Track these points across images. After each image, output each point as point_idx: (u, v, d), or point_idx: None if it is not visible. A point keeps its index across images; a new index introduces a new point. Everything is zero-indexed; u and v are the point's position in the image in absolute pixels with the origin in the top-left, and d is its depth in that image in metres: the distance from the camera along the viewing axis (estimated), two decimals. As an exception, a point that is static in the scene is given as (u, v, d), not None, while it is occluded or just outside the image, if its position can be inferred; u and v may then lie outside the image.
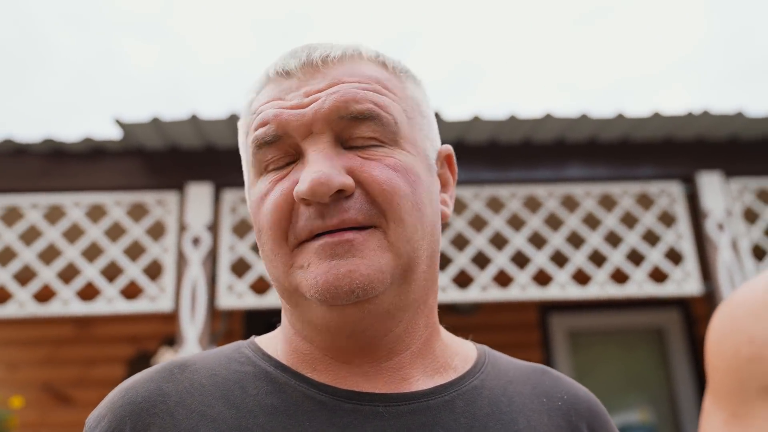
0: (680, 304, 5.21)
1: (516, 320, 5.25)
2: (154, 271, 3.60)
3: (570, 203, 3.60)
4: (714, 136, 3.43)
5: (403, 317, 0.64)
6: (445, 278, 3.28)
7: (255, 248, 3.34)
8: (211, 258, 3.11)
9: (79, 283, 3.10)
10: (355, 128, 0.62)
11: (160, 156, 3.24)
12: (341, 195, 0.59)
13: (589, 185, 3.40)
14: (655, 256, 3.36)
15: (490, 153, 3.41)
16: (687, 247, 3.36)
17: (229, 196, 3.23)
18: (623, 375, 5.45)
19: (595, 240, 3.34)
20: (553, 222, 3.55)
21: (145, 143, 3.17)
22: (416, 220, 0.62)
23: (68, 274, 3.53)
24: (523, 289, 3.29)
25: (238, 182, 3.11)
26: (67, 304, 3.06)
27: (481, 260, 3.43)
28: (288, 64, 0.64)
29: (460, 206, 3.46)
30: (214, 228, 3.15)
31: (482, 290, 3.29)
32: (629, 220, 3.70)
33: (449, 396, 0.64)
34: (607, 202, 3.61)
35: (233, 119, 2.98)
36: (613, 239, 3.59)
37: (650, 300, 4.96)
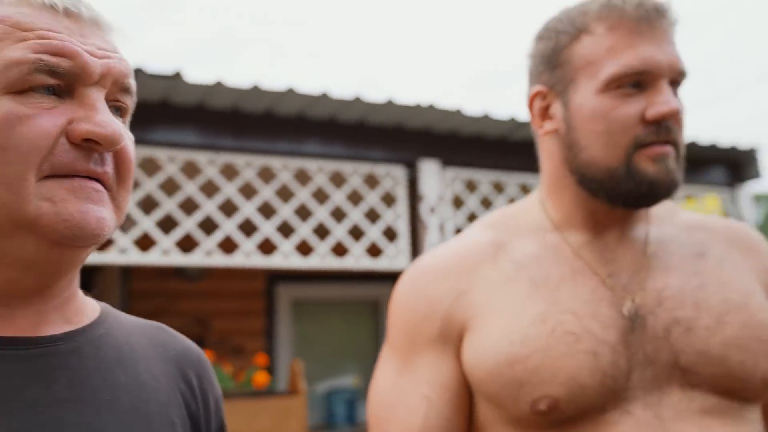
0: (395, 278, 5.69)
1: (244, 288, 5.26)
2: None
3: (303, 177, 3.68)
4: (437, 128, 3.77)
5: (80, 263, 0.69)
6: (168, 241, 3.16)
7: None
8: None
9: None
10: (119, 96, 0.68)
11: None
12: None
13: (324, 162, 3.52)
14: (374, 233, 3.60)
15: (231, 121, 3.34)
16: (402, 227, 3.66)
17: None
18: (341, 343, 5.80)
19: (321, 214, 3.47)
20: (285, 194, 3.61)
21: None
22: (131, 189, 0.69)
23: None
24: (247, 257, 3.30)
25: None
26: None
27: (208, 226, 3.35)
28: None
29: (194, 171, 3.35)
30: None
31: (206, 255, 3.23)
32: (355, 198, 3.91)
33: (77, 342, 0.67)
34: (338, 179, 3.77)
35: None
36: (339, 214, 3.77)
37: (368, 274, 5.32)
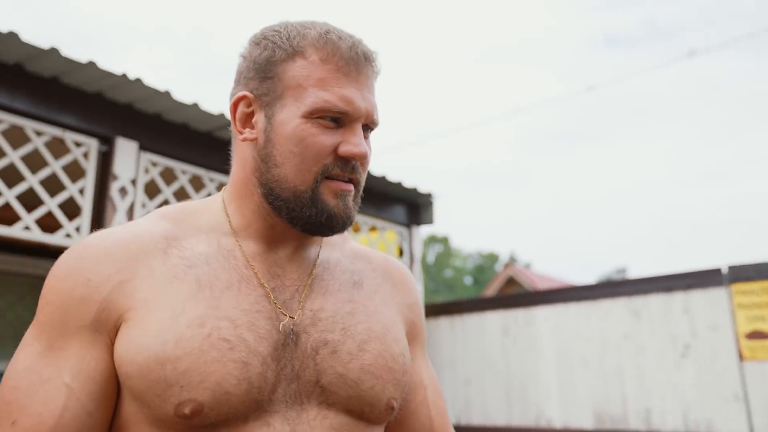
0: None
1: None
2: None
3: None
4: (142, 106, 3.61)
5: None
6: None
7: None
8: None
9: None
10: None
11: None
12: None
13: (3, 114, 3.12)
14: (52, 204, 3.29)
15: None
16: (87, 204, 3.41)
17: None
18: (1, 322, 5.13)
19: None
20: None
21: None
22: None
23: None
24: None
25: None
26: None
27: None
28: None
29: None
30: None
31: None
32: (36, 162, 3.55)
33: None
34: (17, 137, 3.38)
35: None
36: (12, 176, 3.38)
37: (40, 247, 4.83)
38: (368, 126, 0.97)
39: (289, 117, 0.93)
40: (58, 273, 0.91)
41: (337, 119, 0.93)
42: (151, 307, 0.87)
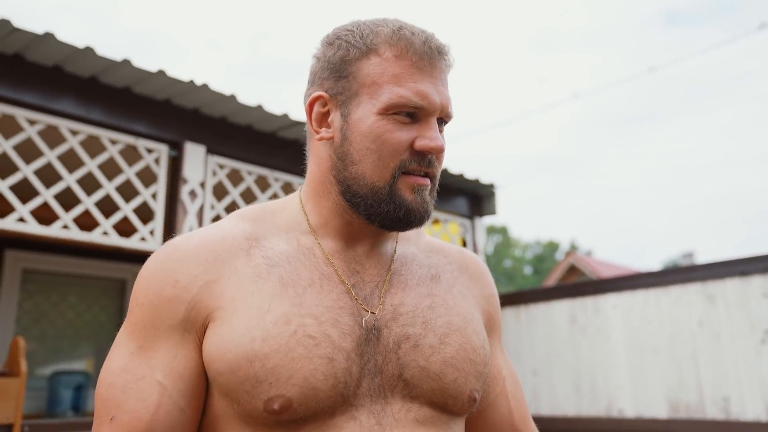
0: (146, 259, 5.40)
1: (-36, 250, 4.66)
2: None
3: (54, 137, 3.39)
4: (208, 110, 3.71)
5: None
6: None
7: None
8: None
9: None
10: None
11: None
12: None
13: (79, 125, 3.27)
14: (127, 209, 3.42)
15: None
16: (159, 208, 3.53)
17: None
18: (78, 323, 5.37)
19: (70, 180, 3.22)
20: (28, 151, 3.29)
21: None
22: None
23: None
24: (-27, 214, 2.94)
25: None
26: None
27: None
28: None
29: None
30: None
31: None
32: (112, 170, 3.69)
33: None
34: (94, 146, 3.53)
35: None
36: (91, 184, 3.54)
37: (117, 251, 5.02)
38: (443, 119, 0.98)
39: (365, 114, 0.95)
40: (146, 275, 0.95)
41: (412, 114, 0.94)
42: (238, 306, 0.89)
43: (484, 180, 5.17)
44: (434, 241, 1.15)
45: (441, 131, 0.99)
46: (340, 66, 0.97)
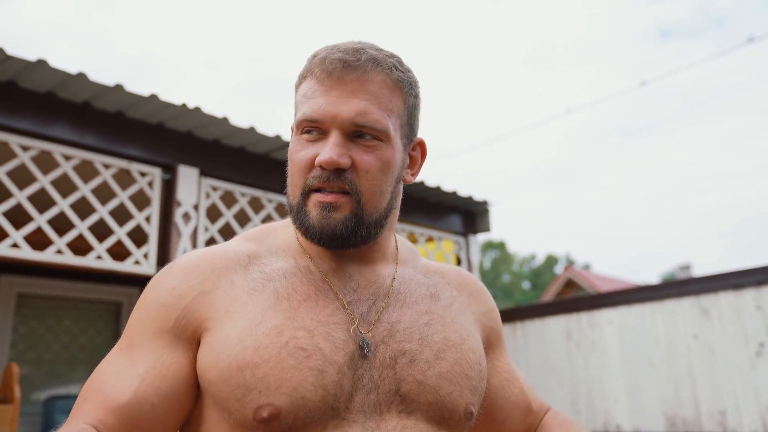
0: (140, 282, 5.38)
1: (-41, 276, 4.66)
2: None
3: (47, 162, 3.42)
4: (200, 133, 3.74)
5: None
6: None
7: None
8: None
9: None
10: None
11: None
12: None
13: (73, 150, 3.29)
14: (121, 233, 3.44)
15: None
16: (153, 231, 3.55)
17: None
18: (73, 347, 5.35)
19: (64, 205, 3.23)
20: (22, 177, 3.31)
21: None
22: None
23: None
24: (-34, 241, 2.95)
25: None
26: None
27: None
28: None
29: None
30: None
31: None
32: (105, 194, 3.71)
33: None
34: (87, 171, 3.55)
35: None
36: (84, 209, 3.55)
37: (111, 275, 5.03)
38: (361, 131, 0.95)
39: (292, 137, 1.00)
40: (149, 286, 0.99)
41: (321, 131, 0.95)
42: (232, 317, 0.91)
43: (478, 197, 5.20)
44: (430, 264, 1.16)
45: (368, 145, 0.95)
46: (295, 94, 1.03)
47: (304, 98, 0.97)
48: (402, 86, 1.00)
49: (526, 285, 41.75)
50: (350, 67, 0.95)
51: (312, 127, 0.96)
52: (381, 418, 0.90)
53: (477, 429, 1.11)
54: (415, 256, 1.15)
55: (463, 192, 5.05)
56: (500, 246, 42.28)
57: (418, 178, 4.63)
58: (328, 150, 0.93)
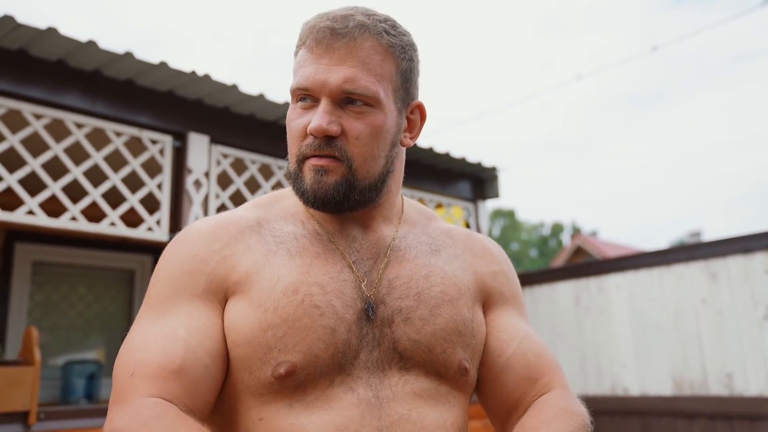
0: (153, 249, 5.42)
1: (-25, 244, 4.72)
2: None
3: (60, 130, 3.44)
4: (210, 101, 3.74)
5: None
6: None
7: None
8: None
9: None
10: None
11: None
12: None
13: (84, 118, 3.31)
14: (134, 200, 3.48)
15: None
16: (165, 198, 3.58)
17: None
18: (87, 313, 5.44)
19: (77, 173, 3.27)
20: (35, 145, 3.34)
21: None
22: None
23: None
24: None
25: None
26: None
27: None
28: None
29: None
30: None
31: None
32: (117, 161, 3.74)
33: None
34: (100, 139, 3.58)
35: None
36: (97, 176, 3.58)
37: (124, 242, 5.08)
38: (350, 98, 0.96)
39: (289, 106, 1.03)
40: (167, 254, 1.01)
41: (310, 98, 0.98)
42: (252, 280, 0.95)
43: (487, 163, 5.20)
44: (443, 226, 1.17)
45: (358, 111, 0.97)
46: (293, 62, 1.04)
47: (298, 67, 1.00)
48: (394, 51, 1.00)
49: (534, 253, 41.82)
50: (338, 34, 0.97)
51: (305, 95, 0.99)
52: (383, 374, 0.95)
53: (481, 390, 1.10)
54: (427, 219, 1.16)
55: (472, 158, 5.05)
56: (509, 214, 42.26)
57: (427, 144, 4.63)
58: (318, 117, 0.95)
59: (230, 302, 0.95)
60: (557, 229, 42.62)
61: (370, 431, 0.90)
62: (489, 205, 5.70)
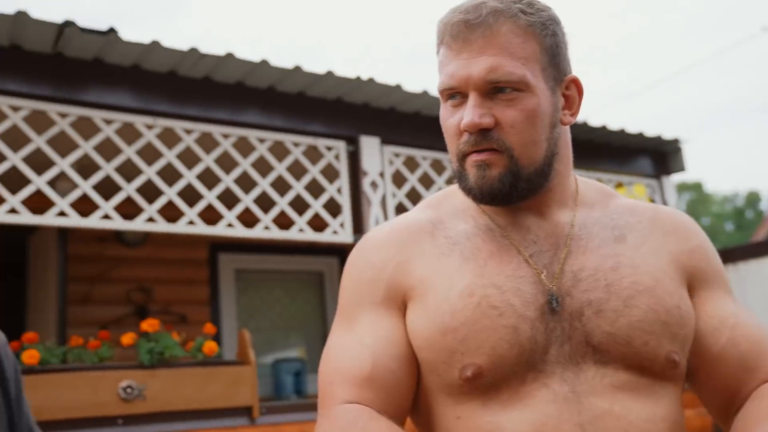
0: (340, 251, 5.71)
1: (185, 257, 5.26)
2: None
3: (245, 147, 3.73)
4: (376, 103, 3.86)
5: None
6: (108, 206, 3.16)
7: None
8: None
9: None
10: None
11: None
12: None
13: (264, 132, 3.56)
14: (317, 206, 3.68)
15: (168, 85, 3.35)
16: (345, 201, 3.75)
17: None
18: (285, 315, 5.85)
19: (264, 185, 3.52)
20: (226, 162, 3.65)
21: None
22: None
23: None
24: (190, 224, 3.34)
25: None
26: None
27: (149, 191, 3.37)
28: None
29: (132, 135, 3.34)
30: None
31: (148, 222, 3.26)
32: (297, 171, 3.97)
33: None
34: (279, 151, 3.83)
35: None
36: (281, 186, 3.83)
37: (312, 246, 5.38)
38: (498, 87, 0.94)
39: (441, 106, 1.02)
40: (348, 266, 1.06)
41: (458, 95, 0.97)
42: (427, 284, 0.96)
43: (668, 135, 4.82)
44: (626, 202, 1.10)
45: (511, 99, 0.94)
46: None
47: (441, 66, 0.99)
48: (534, 29, 0.96)
49: (729, 226, 38.11)
50: (473, 25, 0.94)
51: (452, 93, 0.98)
52: (578, 368, 0.91)
53: (694, 379, 1.02)
54: (606, 198, 1.09)
55: (650, 132, 4.71)
56: (696, 187, 38.90)
57: (599, 122, 4.39)
58: (469, 113, 0.94)
59: (409, 307, 0.97)
60: (753, 198, 38.44)
61: (570, 427, 0.86)
62: (674, 178, 5.28)
